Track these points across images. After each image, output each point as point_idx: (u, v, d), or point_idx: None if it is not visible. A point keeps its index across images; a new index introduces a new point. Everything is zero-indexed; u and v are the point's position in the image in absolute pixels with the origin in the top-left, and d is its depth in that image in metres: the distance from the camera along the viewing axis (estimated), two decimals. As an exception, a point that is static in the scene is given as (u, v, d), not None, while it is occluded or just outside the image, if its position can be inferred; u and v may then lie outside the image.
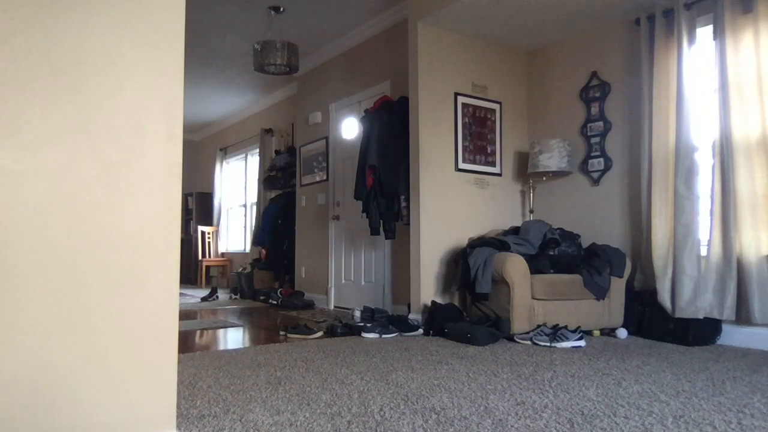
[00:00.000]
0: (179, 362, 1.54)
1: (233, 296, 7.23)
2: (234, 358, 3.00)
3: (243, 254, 8.52)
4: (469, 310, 4.08)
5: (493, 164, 4.77)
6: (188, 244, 9.29)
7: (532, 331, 3.60)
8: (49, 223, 1.37)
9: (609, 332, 3.87)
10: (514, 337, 3.60)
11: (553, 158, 4.41)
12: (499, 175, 4.80)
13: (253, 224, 8.13)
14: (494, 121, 4.79)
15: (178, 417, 1.59)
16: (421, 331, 3.91)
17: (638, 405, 2.08)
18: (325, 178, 6.09)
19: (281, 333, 4.01)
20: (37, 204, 1.36)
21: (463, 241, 4.46)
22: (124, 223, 1.47)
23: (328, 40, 5.78)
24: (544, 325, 3.61)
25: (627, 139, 4.26)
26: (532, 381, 2.47)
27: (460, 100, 4.58)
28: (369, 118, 4.83)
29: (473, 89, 4.68)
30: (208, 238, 9.14)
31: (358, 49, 5.62)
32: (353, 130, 5.65)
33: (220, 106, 8.42)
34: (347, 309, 5.51)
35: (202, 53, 6.16)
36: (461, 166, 4.56)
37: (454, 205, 4.49)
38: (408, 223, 4.47)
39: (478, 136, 4.68)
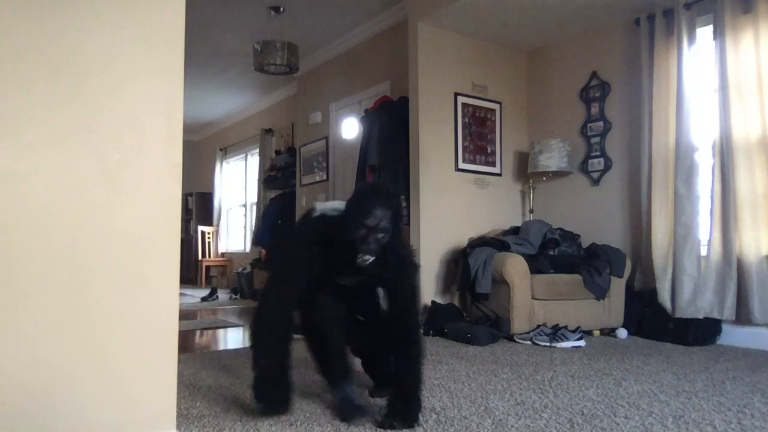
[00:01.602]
0: (179, 362, 1.54)
1: (233, 296, 7.23)
2: (234, 358, 2.99)
3: (243, 254, 8.51)
4: (469, 310, 4.08)
5: (493, 164, 4.77)
6: (188, 244, 9.28)
7: (532, 331, 3.60)
8: (49, 223, 1.37)
9: (609, 332, 3.87)
10: (514, 337, 3.60)
11: (553, 158, 4.40)
12: (499, 175, 4.80)
13: (253, 224, 8.13)
14: (494, 121, 4.79)
15: (178, 417, 1.59)
16: (421, 331, 3.91)
17: (638, 405, 2.08)
18: (325, 178, 6.09)
19: (281, 333, 4.00)
20: (37, 204, 1.36)
21: (463, 241, 4.46)
22: (125, 223, 1.47)
23: (328, 40, 5.78)
24: (544, 325, 3.61)
25: (627, 139, 4.26)
26: (532, 381, 2.47)
27: (460, 100, 4.58)
28: (369, 118, 4.83)
29: (473, 89, 4.67)
30: (208, 238, 9.13)
31: (358, 49, 5.62)
32: (353, 130, 5.64)
33: (220, 106, 8.42)
34: (347, 309, 5.50)
35: (202, 53, 6.15)
36: (461, 166, 4.56)
37: (454, 205, 4.48)
38: (408, 223, 4.47)
39: (478, 136, 4.68)
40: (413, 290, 2.01)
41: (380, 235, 1.84)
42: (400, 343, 1.92)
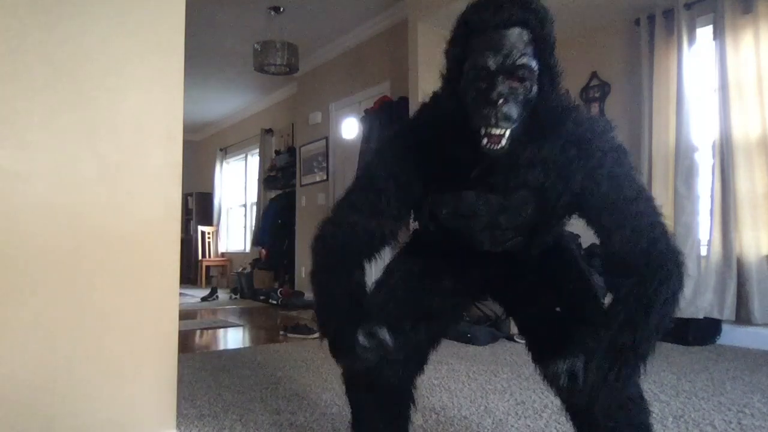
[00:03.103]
0: (179, 362, 1.54)
1: (233, 296, 7.23)
2: (234, 358, 2.99)
3: (243, 254, 8.52)
4: (469, 310, 4.08)
5: (493, 164, 4.76)
6: (188, 244, 9.28)
7: (532, 331, 3.60)
8: (49, 223, 1.37)
9: (609, 332, 3.86)
10: (514, 337, 3.60)
11: (553, 158, 4.40)
12: (499, 175, 4.79)
13: (253, 224, 8.13)
14: (494, 121, 4.78)
15: (178, 417, 1.59)
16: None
17: (638, 405, 2.07)
18: (325, 178, 6.09)
19: (281, 333, 4.01)
20: (38, 204, 1.36)
21: (463, 241, 4.45)
22: (125, 223, 1.47)
23: (328, 40, 5.78)
24: (544, 325, 3.61)
25: (627, 139, 4.25)
26: (532, 381, 2.46)
27: (460, 100, 4.57)
28: (369, 118, 4.83)
29: (473, 89, 4.66)
30: (208, 238, 9.13)
31: (358, 49, 5.62)
32: (353, 130, 5.64)
33: (220, 106, 8.42)
34: (347, 309, 5.49)
35: (202, 53, 6.15)
36: (461, 166, 4.55)
37: (454, 205, 4.47)
38: (408, 223, 4.46)
39: (478, 136, 4.67)
40: (627, 183, 1.01)
41: (515, 84, 0.96)
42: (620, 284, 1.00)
